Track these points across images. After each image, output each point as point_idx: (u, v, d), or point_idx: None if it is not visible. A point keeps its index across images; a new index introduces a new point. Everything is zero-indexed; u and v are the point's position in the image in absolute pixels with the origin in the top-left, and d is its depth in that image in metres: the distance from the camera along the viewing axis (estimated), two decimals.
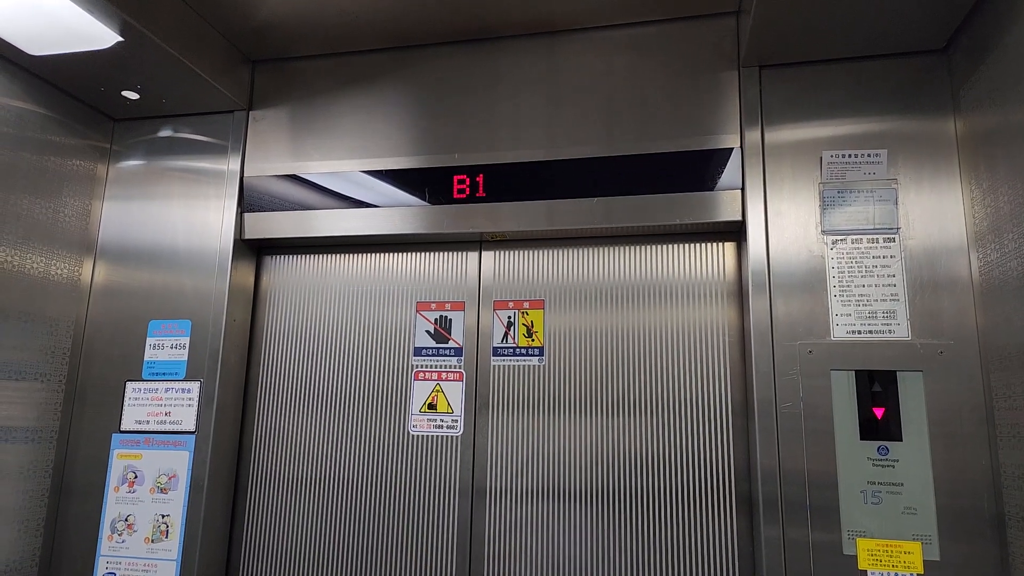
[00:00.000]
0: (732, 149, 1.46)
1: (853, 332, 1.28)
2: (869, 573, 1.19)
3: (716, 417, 1.46)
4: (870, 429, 1.23)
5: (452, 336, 1.65)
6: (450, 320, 1.66)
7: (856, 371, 1.26)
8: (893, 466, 1.21)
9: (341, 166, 1.71)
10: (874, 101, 1.38)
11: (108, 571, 1.57)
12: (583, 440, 1.51)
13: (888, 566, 1.17)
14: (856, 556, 1.20)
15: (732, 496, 1.41)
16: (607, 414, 1.51)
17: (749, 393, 1.38)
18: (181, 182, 1.79)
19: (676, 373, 1.51)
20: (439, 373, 1.63)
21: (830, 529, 1.22)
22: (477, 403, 1.60)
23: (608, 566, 1.44)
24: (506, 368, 1.60)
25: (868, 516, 1.20)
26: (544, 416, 1.55)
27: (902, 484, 1.20)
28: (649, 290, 1.56)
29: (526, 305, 1.62)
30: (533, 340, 1.59)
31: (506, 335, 1.61)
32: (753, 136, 1.43)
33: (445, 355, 1.64)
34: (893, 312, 1.27)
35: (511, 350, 1.60)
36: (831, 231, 1.34)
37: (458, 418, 1.59)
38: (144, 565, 1.54)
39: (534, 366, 1.58)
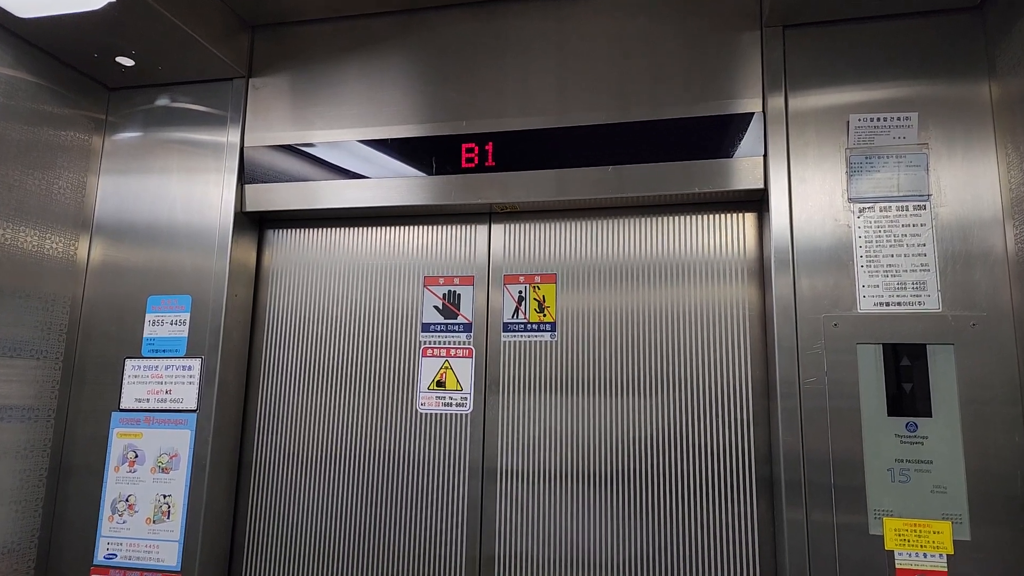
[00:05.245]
0: (753, 114, 1.39)
1: (881, 304, 1.23)
2: (896, 553, 1.14)
3: (735, 396, 1.41)
4: (898, 405, 1.18)
5: (461, 312, 1.60)
6: (459, 295, 1.61)
7: (884, 344, 1.21)
8: (922, 443, 1.16)
9: (345, 135, 1.65)
10: (904, 63, 1.31)
11: (109, 552, 1.53)
12: (596, 419, 1.47)
13: (916, 546, 1.13)
14: (883, 536, 1.16)
15: (752, 477, 1.36)
16: (621, 393, 1.46)
17: (771, 369, 1.33)
18: (179, 154, 1.73)
19: (694, 350, 1.45)
20: (448, 349, 1.58)
21: (855, 509, 1.18)
22: (487, 380, 1.55)
23: (622, 549, 1.40)
24: (517, 344, 1.55)
25: (895, 495, 1.16)
26: (556, 394, 1.50)
27: (931, 462, 1.15)
28: (666, 264, 1.51)
29: (537, 279, 1.57)
30: (545, 315, 1.54)
31: (517, 310, 1.56)
32: (776, 100, 1.36)
33: (454, 331, 1.59)
34: (923, 283, 1.22)
35: (522, 326, 1.55)
36: (858, 199, 1.28)
37: (467, 396, 1.55)
38: (146, 546, 1.51)
39: (546, 342, 1.53)
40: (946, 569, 1.11)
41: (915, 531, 1.14)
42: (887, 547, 1.15)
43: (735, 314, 1.45)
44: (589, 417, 1.47)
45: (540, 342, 1.54)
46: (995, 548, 1.10)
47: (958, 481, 1.13)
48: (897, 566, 1.14)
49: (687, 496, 1.39)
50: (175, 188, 1.71)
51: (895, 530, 1.15)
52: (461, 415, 1.55)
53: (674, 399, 1.44)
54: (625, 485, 1.42)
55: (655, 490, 1.40)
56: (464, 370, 1.56)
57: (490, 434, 1.53)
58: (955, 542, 1.12)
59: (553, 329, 1.53)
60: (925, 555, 1.13)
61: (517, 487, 1.49)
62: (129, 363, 1.63)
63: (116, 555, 1.52)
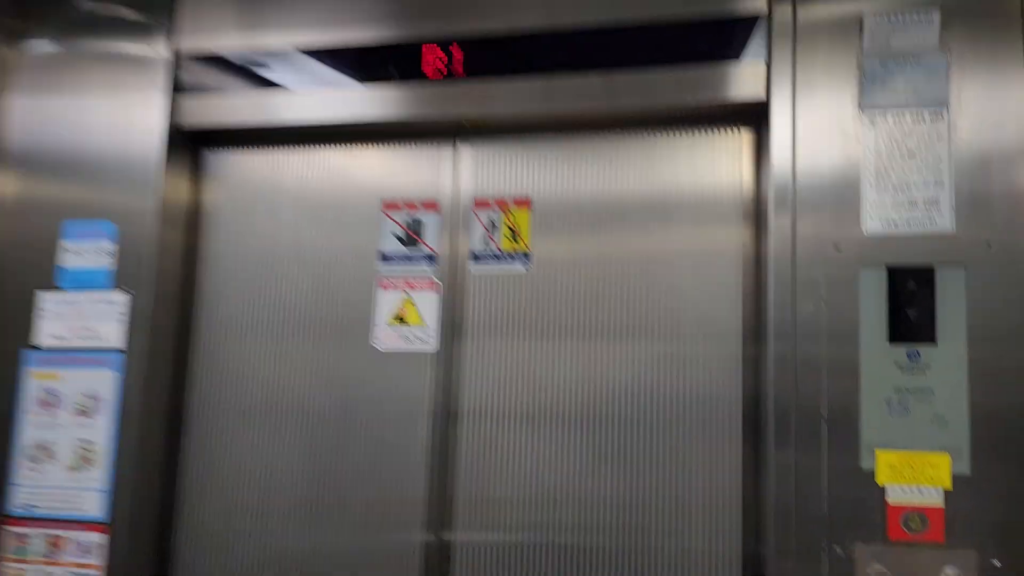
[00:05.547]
0: (757, 17, 1.23)
1: (889, 223, 1.12)
2: (887, 488, 1.07)
3: (723, 333, 1.28)
4: (900, 332, 1.08)
5: (424, 240, 1.43)
6: (422, 222, 1.44)
7: (889, 268, 1.10)
8: (924, 372, 1.07)
9: (292, 40, 1.43)
10: None
11: (27, 503, 1.37)
12: (574, 359, 1.33)
13: (910, 480, 1.06)
14: (874, 471, 1.08)
15: (739, 416, 1.25)
16: (601, 331, 1.33)
17: (764, 297, 1.20)
18: (103, 66, 1.50)
19: (680, 283, 1.32)
20: (409, 282, 1.42)
21: (847, 443, 1.09)
22: (453, 315, 1.40)
23: (598, 491, 1.30)
24: (487, 277, 1.40)
25: (891, 427, 1.08)
26: (530, 332, 1.36)
27: (933, 392, 1.07)
28: (653, 189, 1.36)
29: (510, 204, 1.41)
30: (518, 244, 1.39)
31: (487, 239, 1.41)
32: (783, 1, 1.20)
33: (416, 261, 1.43)
34: (936, 200, 1.10)
35: (493, 256, 1.40)
36: (870, 106, 1.14)
37: (431, 332, 1.40)
38: (67, 496, 1.34)
39: (519, 275, 1.39)
40: (943, 505, 1.04)
41: (910, 465, 1.06)
42: (879, 481, 1.07)
43: (728, 249, 1.30)
44: (565, 356, 1.34)
45: (513, 274, 1.39)
46: (997, 483, 1.03)
47: (960, 412, 1.05)
48: (888, 502, 1.07)
49: (669, 439, 1.28)
50: (98, 106, 1.49)
51: (889, 464, 1.07)
52: (424, 354, 1.40)
53: (656, 333, 1.31)
54: (603, 429, 1.31)
55: (635, 434, 1.29)
56: (428, 305, 1.41)
57: (456, 374, 1.39)
58: (954, 476, 1.05)
59: (527, 259, 1.38)
60: (920, 490, 1.05)
61: (485, 429, 1.36)
62: (43, 296, 1.43)
63: (34, 505, 1.36)
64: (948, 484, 1.05)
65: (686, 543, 1.24)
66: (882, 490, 1.08)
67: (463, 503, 1.35)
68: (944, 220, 1.10)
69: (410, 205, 1.45)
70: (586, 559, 1.28)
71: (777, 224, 1.16)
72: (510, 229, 1.39)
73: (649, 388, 1.30)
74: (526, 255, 1.38)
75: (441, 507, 1.36)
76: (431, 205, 1.44)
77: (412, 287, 1.42)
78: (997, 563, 1.00)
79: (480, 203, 1.42)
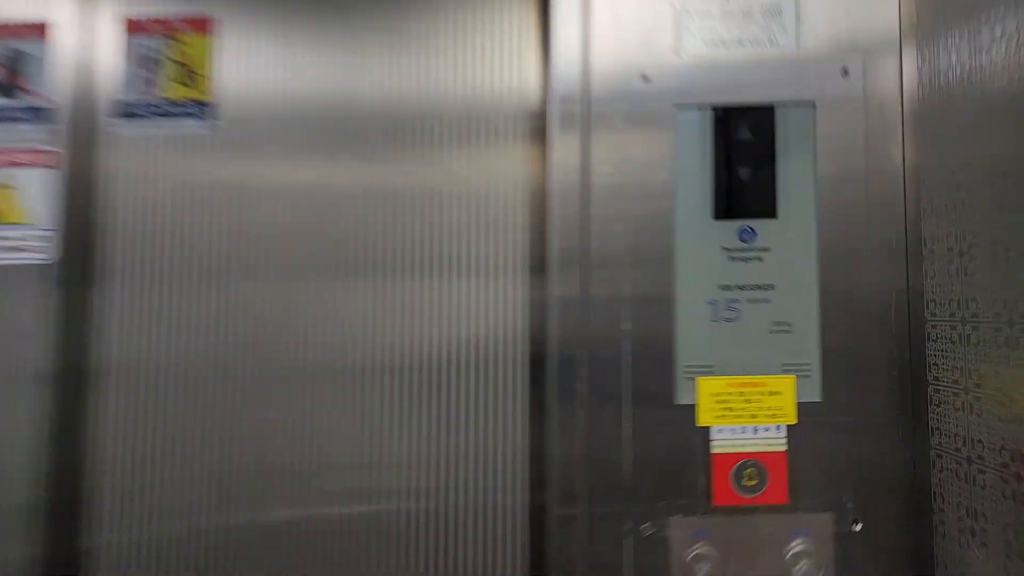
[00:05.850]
0: None
1: (716, 43, 0.76)
2: (712, 431, 0.73)
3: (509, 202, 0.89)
4: (730, 202, 0.74)
5: (29, 85, 0.87)
6: (26, 54, 0.88)
7: (714, 108, 0.75)
8: (761, 258, 0.74)
9: None
10: None
11: None
12: (282, 280, 0.86)
13: (744, 417, 0.73)
14: (695, 406, 0.74)
15: (527, 350, 0.87)
16: (331, 244, 0.88)
17: (550, 157, 0.81)
18: None
19: (459, 164, 0.90)
20: (5, 153, 0.87)
21: (657, 368, 0.74)
22: (87, 207, 0.87)
23: (324, 459, 0.86)
24: (143, 143, 0.87)
25: (717, 341, 0.73)
26: (218, 234, 0.86)
27: (772, 287, 0.74)
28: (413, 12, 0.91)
29: (180, 26, 0.89)
30: (194, 89, 0.87)
31: (143, 80, 0.88)
32: None
33: (15, 120, 0.86)
34: (778, 9, 0.77)
35: (153, 108, 0.87)
36: None
37: (46, 234, 0.86)
38: None
39: (199, 137, 0.88)
40: (785, 448, 0.72)
41: (742, 394, 0.73)
42: (700, 422, 0.73)
43: (509, 87, 0.90)
44: (267, 274, 0.86)
45: (188, 137, 0.87)
46: (856, 409, 0.72)
47: (809, 314, 0.73)
48: (713, 450, 0.73)
49: (441, 389, 0.87)
50: None
51: (713, 395, 0.73)
52: (31, 267, 0.86)
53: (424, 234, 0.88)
54: (339, 381, 0.86)
55: (408, 384, 0.87)
56: (38, 190, 0.86)
57: (92, 308, 0.86)
58: (800, 406, 0.73)
59: (210, 112, 0.88)
60: (756, 429, 0.73)
61: (138, 394, 0.84)
62: None
63: None
64: (793, 417, 0.73)
65: (463, 506, 0.83)
66: (703, 432, 0.74)
67: (107, 498, 0.84)
68: (788, 38, 0.76)
69: (9, 30, 0.88)
70: (301, 535, 0.84)
71: (564, 41, 0.77)
72: (181, 66, 0.88)
73: (423, 327, 0.87)
74: (207, 105, 0.87)
75: (69, 507, 0.83)
76: (44, 30, 0.88)
77: (10, 162, 0.86)
78: (858, 527, 0.70)
79: (129, 25, 0.89)
